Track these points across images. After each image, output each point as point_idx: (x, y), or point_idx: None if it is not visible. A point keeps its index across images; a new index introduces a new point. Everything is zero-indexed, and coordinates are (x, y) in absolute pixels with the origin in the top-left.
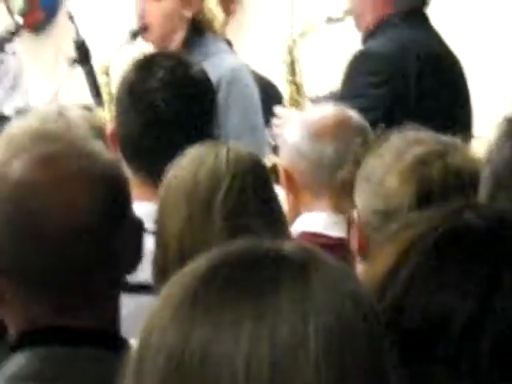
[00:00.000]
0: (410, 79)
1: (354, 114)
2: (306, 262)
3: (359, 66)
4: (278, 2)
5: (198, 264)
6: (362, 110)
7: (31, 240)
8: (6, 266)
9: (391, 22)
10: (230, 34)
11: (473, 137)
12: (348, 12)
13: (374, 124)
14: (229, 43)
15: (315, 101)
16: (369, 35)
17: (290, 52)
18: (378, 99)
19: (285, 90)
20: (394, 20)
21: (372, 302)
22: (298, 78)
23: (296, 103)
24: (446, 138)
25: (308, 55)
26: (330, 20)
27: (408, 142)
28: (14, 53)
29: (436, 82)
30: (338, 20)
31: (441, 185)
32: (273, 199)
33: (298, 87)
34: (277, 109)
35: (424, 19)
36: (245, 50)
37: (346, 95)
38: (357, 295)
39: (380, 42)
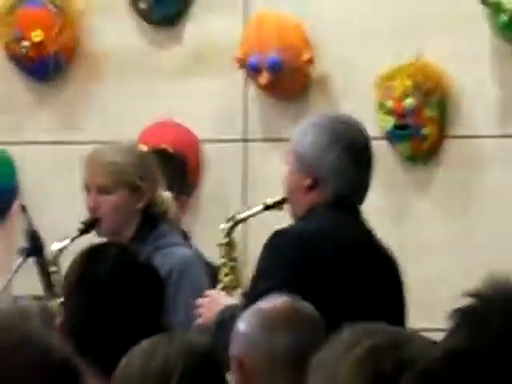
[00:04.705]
0: (320, 265)
1: (304, 304)
2: None
3: (271, 247)
4: (229, 188)
5: None
6: (271, 290)
7: None
8: None
9: (318, 210)
10: (185, 222)
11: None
12: (285, 199)
13: None
14: (185, 234)
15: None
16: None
17: (229, 234)
18: (286, 280)
19: (220, 272)
20: (321, 208)
21: None
22: (232, 262)
23: (230, 287)
24: (397, 330)
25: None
26: (267, 206)
27: (358, 334)
28: None
29: (351, 272)
30: (275, 206)
31: (392, 377)
32: None
33: (233, 270)
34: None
35: (351, 208)
36: (199, 238)
37: (258, 274)
38: None
39: (297, 224)
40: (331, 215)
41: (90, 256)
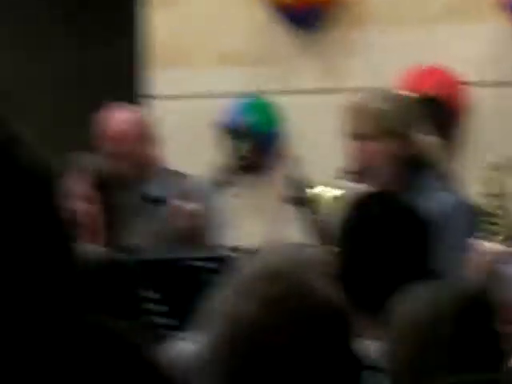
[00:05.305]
0: None
1: None
2: None
3: None
4: (493, 133)
5: None
6: None
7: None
8: None
9: None
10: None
11: None
12: None
13: None
14: (450, 179)
15: None
16: None
17: (495, 183)
18: None
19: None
20: None
21: None
22: (504, 210)
23: (502, 237)
24: None
25: None
26: None
27: None
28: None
29: None
30: None
31: None
32: (496, 333)
33: (504, 218)
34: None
35: None
36: (463, 184)
37: None
38: None
39: None
40: None
41: (360, 204)
